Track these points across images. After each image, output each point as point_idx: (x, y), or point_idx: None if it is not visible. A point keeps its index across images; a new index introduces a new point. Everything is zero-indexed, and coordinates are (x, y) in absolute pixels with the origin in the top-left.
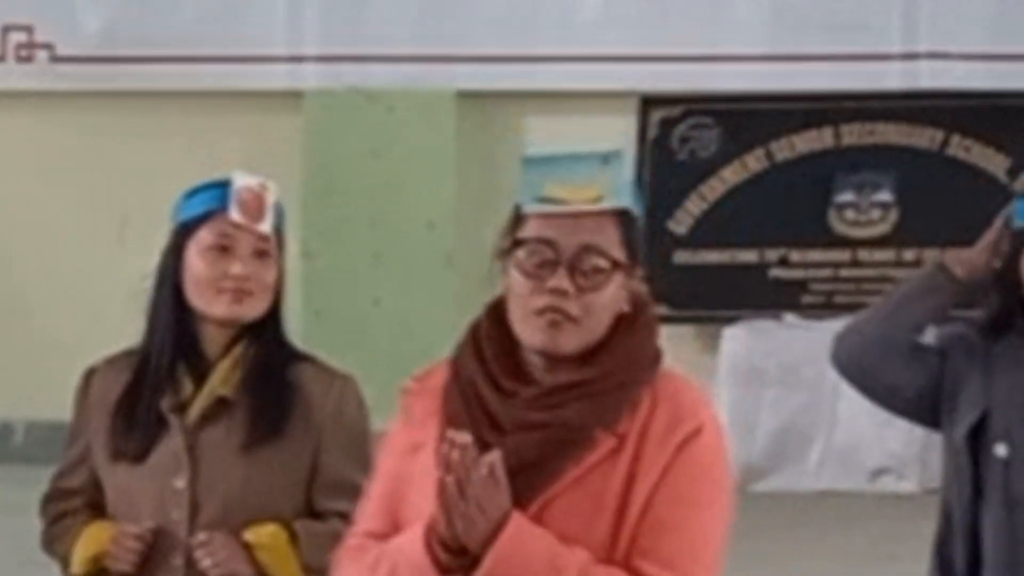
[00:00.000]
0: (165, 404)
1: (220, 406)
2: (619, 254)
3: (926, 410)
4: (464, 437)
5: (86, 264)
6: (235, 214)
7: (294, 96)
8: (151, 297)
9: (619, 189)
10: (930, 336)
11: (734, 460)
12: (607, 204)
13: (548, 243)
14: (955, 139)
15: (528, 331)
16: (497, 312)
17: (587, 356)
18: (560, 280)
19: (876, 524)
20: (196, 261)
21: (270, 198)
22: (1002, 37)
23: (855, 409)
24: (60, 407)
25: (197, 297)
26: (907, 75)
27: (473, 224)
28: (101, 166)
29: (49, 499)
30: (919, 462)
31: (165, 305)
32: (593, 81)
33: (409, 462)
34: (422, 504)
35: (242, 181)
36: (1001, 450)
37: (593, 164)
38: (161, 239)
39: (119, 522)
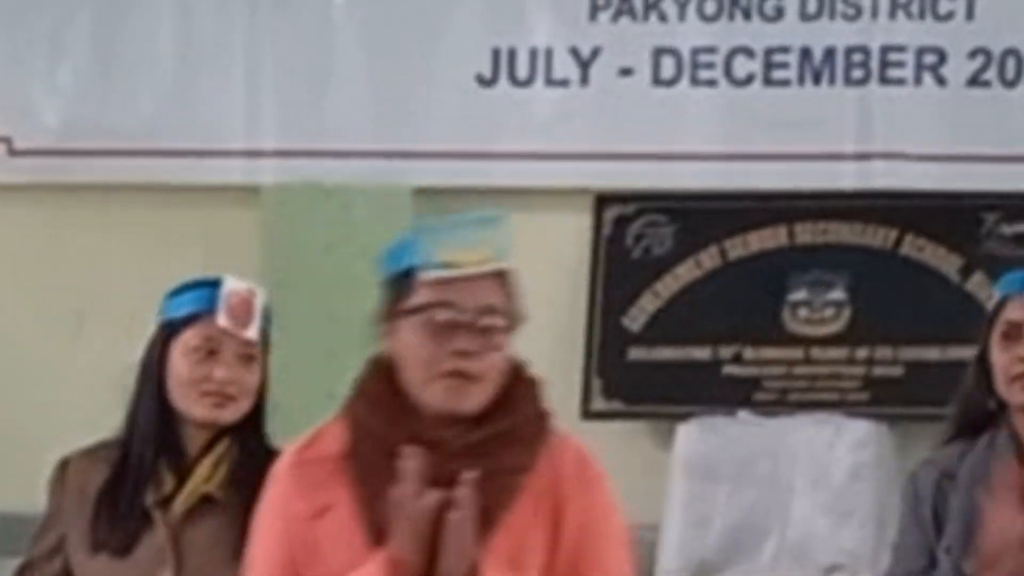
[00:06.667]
0: (148, 499)
1: (204, 503)
2: (510, 311)
3: None
4: (473, 473)
5: (42, 357)
6: (223, 320)
7: (251, 190)
8: (133, 391)
9: (502, 250)
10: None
11: (689, 555)
12: (495, 265)
13: (449, 306)
14: (908, 238)
15: (433, 393)
16: (384, 372)
17: (487, 410)
18: (465, 341)
19: None
20: (180, 362)
21: (257, 303)
22: (956, 138)
23: (809, 505)
24: (15, 500)
25: (179, 397)
26: (861, 174)
27: None
28: (58, 259)
29: None
30: (872, 559)
31: (147, 401)
32: (548, 178)
33: (310, 528)
34: (336, 566)
35: (231, 285)
36: None
37: (477, 228)
38: (118, 333)
39: None
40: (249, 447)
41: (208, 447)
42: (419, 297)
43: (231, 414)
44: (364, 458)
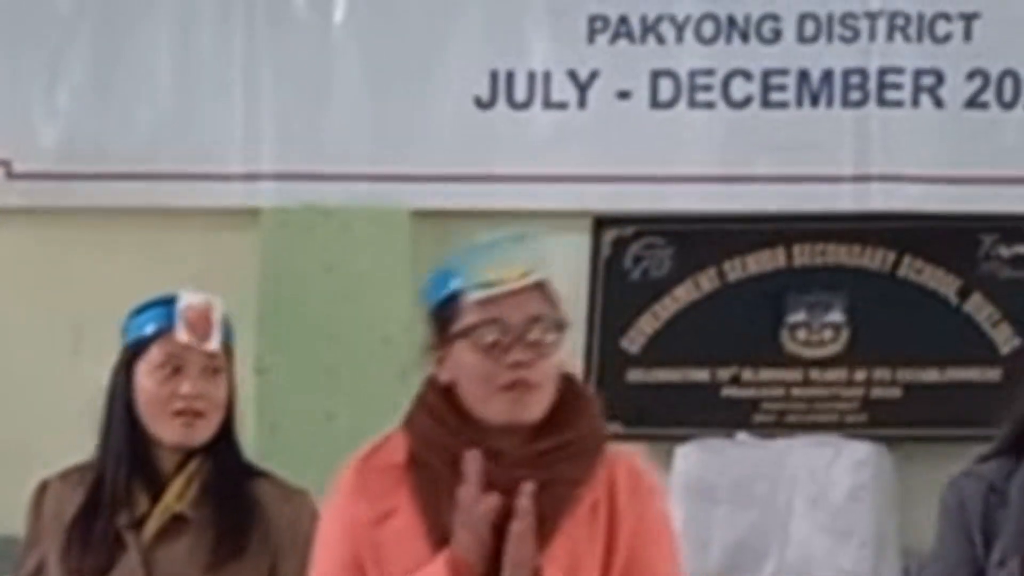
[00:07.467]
0: (121, 521)
1: (177, 523)
2: (555, 319)
3: None
4: (530, 485)
5: (40, 379)
6: (182, 334)
7: (250, 213)
8: (103, 416)
9: (538, 263)
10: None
11: None
12: (535, 277)
13: (497, 322)
14: (906, 260)
15: (494, 407)
16: (443, 391)
17: (546, 419)
18: (518, 353)
19: None
20: (146, 382)
21: (216, 315)
22: (954, 159)
23: (808, 526)
24: (14, 519)
25: (148, 419)
26: (859, 196)
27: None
28: (57, 282)
29: None
30: None
31: (117, 424)
32: (547, 201)
33: (375, 532)
34: (399, 570)
35: (187, 300)
36: None
37: (511, 245)
38: (115, 356)
39: None
40: (221, 464)
41: (181, 466)
42: (467, 318)
43: (201, 434)
44: (427, 466)
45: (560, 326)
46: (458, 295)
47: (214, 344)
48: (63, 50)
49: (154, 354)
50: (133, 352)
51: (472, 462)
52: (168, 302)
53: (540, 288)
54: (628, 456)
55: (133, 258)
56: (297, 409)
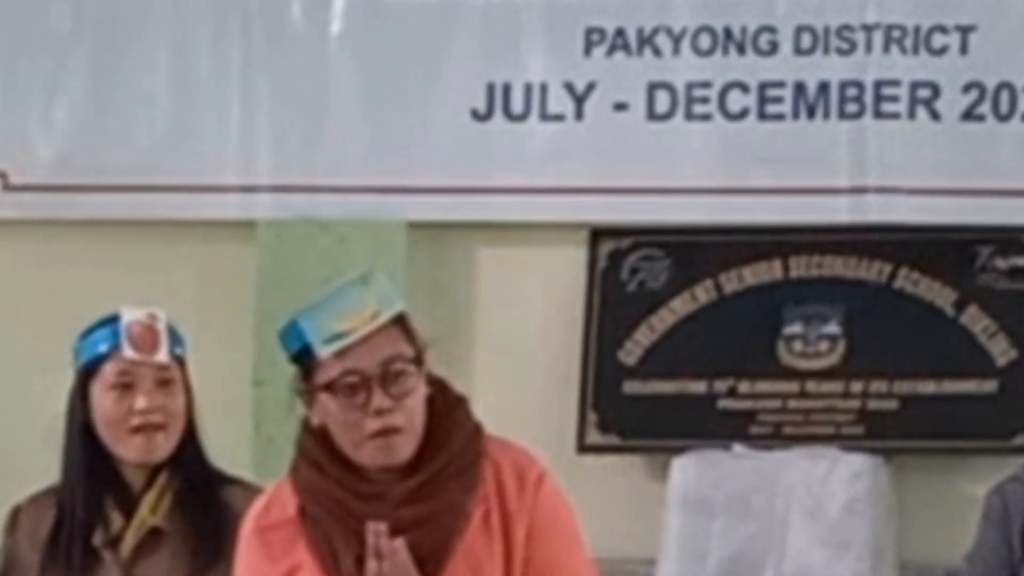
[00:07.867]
0: (97, 540)
1: (154, 537)
2: (412, 351)
3: None
4: (381, 525)
5: (37, 393)
6: (129, 351)
7: (247, 225)
8: (63, 440)
9: (385, 300)
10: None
11: None
12: (385, 317)
13: (354, 372)
14: (903, 272)
15: (365, 454)
16: (321, 436)
17: (422, 445)
18: (380, 399)
19: None
20: (103, 402)
21: (161, 327)
22: (950, 172)
23: (805, 539)
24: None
25: (109, 439)
26: (855, 208)
27: None
28: (54, 294)
29: None
30: None
31: (76, 448)
32: (544, 213)
33: None
34: None
35: (130, 316)
36: None
37: (353, 289)
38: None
39: None
40: (191, 474)
41: (150, 480)
42: (326, 372)
43: (162, 448)
44: (318, 520)
45: (417, 360)
46: (312, 349)
47: (162, 356)
48: (61, 63)
49: (106, 374)
50: (86, 374)
51: (372, 535)
52: (113, 320)
53: (393, 326)
54: (512, 452)
55: (130, 271)
56: (294, 422)
